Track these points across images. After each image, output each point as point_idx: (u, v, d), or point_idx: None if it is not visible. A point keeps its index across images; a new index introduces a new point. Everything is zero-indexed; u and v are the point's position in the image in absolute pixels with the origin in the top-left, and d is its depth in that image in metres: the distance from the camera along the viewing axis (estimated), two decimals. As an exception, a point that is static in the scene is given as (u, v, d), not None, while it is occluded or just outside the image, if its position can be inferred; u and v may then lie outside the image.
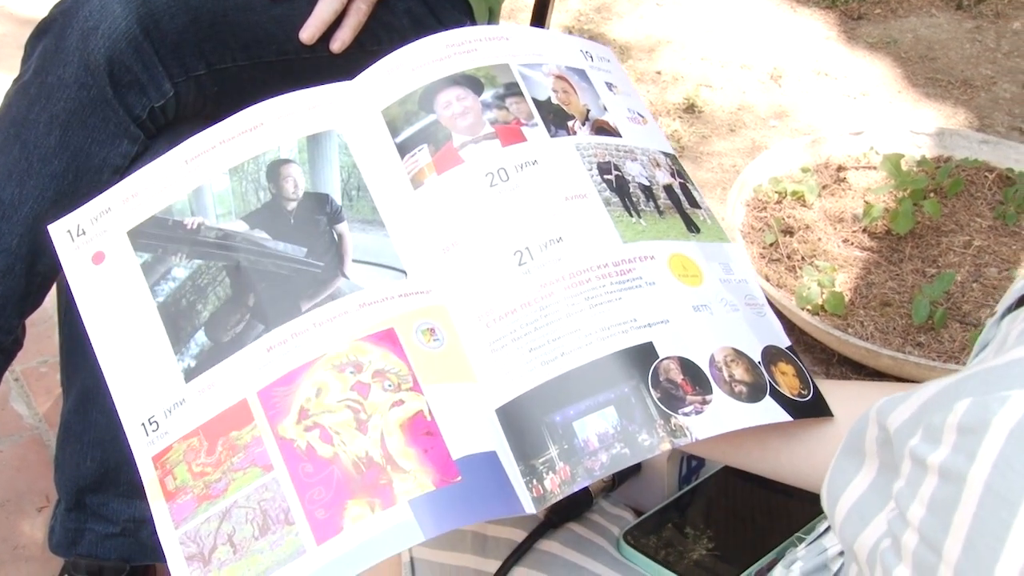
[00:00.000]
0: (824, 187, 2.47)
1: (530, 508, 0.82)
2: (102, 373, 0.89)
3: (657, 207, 0.91)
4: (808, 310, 2.16)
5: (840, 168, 2.52)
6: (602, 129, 0.93)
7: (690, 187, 0.95)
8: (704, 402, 0.81)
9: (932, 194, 2.42)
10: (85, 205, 0.94)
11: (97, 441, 1.51)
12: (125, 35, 1.35)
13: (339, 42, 1.47)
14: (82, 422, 1.52)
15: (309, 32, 1.44)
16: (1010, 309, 0.68)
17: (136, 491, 1.53)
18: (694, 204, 0.94)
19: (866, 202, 2.41)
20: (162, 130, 1.42)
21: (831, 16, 3.22)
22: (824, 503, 0.69)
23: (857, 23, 3.20)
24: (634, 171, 0.92)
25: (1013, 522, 0.51)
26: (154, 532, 1.58)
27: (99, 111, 1.37)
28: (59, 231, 0.94)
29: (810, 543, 0.88)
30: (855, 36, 3.14)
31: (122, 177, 1.07)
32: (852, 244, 2.35)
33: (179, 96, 1.41)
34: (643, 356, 0.82)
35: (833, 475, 0.67)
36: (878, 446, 0.63)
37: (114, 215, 0.93)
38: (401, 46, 0.95)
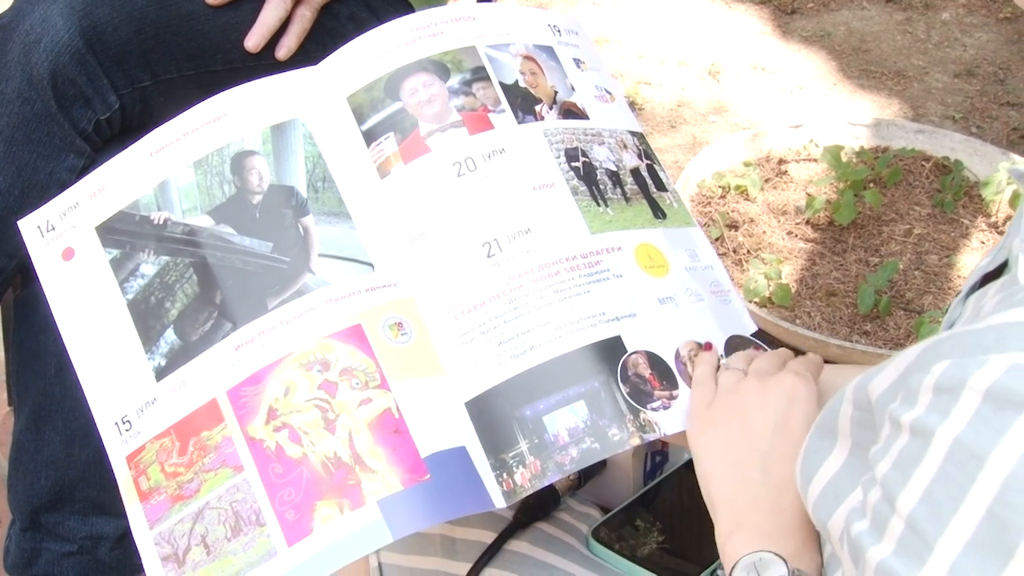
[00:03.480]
0: (766, 180, 2.49)
1: (500, 502, 0.82)
2: (74, 374, 0.89)
3: (624, 193, 0.90)
4: (756, 302, 2.18)
5: (781, 161, 2.54)
6: (570, 111, 0.93)
7: (657, 168, 0.95)
8: (671, 397, 0.82)
9: (872, 184, 2.45)
10: (53, 200, 0.94)
11: (51, 459, 1.49)
12: (68, 48, 1.33)
13: (284, 49, 1.46)
14: (35, 440, 1.50)
15: (254, 40, 1.43)
16: (974, 288, 0.69)
17: (93, 508, 1.52)
18: (661, 187, 0.94)
19: (808, 194, 2.43)
20: (109, 142, 1.40)
21: (765, 11, 3.25)
22: (797, 482, 0.70)
23: (791, 17, 3.23)
24: (601, 156, 0.91)
25: (979, 475, 0.52)
26: (113, 547, 1.57)
27: (44, 125, 1.36)
28: (29, 226, 0.94)
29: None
30: (789, 30, 3.18)
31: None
32: (796, 236, 2.38)
33: (125, 108, 1.39)
34: (612, 350, 0.82)
35: (806, 454, 0.68)
36: (852, 425, 0.64)
37: (82, 210, 0.93)
38: None
